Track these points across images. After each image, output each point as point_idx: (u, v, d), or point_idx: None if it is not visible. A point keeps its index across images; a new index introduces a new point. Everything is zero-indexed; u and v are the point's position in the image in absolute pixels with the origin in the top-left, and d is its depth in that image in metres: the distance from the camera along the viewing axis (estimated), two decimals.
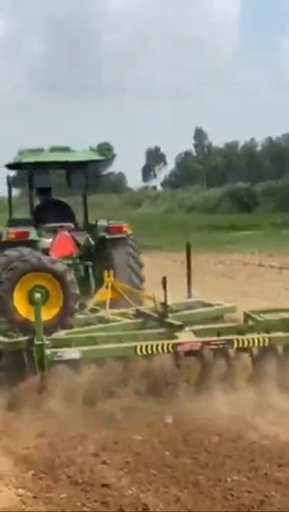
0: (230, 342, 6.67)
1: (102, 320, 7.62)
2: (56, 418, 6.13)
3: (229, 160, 79.30)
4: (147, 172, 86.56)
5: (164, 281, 7.22)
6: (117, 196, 60.60)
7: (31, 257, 7.44)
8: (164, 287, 7.22)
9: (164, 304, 7.29)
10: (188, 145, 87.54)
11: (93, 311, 8.06)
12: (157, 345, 6.51)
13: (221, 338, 6.79)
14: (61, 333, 7.00)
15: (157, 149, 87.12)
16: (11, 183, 9.77)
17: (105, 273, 8.28)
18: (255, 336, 6.88)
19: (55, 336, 6.85)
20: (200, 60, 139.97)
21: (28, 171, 9.41)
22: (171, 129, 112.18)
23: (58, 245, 8.91)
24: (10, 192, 9.78)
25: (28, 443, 5.62)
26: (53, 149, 9.43)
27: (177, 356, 6.53)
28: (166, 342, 6.60)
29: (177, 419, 6.00)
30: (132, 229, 10.53)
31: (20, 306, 7.05)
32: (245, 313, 7.49)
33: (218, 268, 20.33)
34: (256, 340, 6.74)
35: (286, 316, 7.38)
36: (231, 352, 6.65)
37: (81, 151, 9.71)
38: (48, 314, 6.93)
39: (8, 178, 9.80)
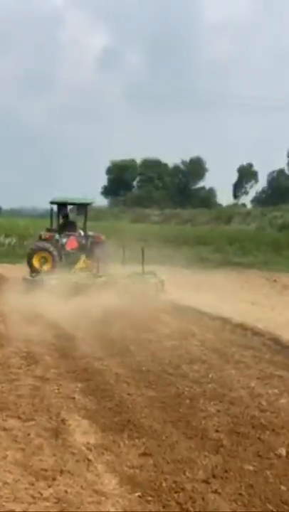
0: (116, 281, 15.62)
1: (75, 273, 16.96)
2: (160, 439, 5.91)
3: None
4: (239, 189, 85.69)
5: (98, 263, 16.43)
6: (207, 211, 60.14)
7: (41, 245, 17.72)
8: (98, 263, 16.38)
9: (97, 269, 16.31)
10: (282, 163, 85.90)
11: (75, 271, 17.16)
12: (86, 281, 15.79)
13: (114, 280, 15.79)
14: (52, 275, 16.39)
15: (250, 166, 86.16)
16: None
17: (82, 256, 17.54)
18: (130, 280, 15.93)
19: (50, 276, 16.31)
20: None
21: (57, 206, 18.44)
22: (265, 146, 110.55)
23: (69, 243, 17.91)
24: (52, 215, 18.58)
25: (132, 462, 5.37)
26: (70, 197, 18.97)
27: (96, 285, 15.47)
28: (90, 281, 15.81)
29: None
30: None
31: (36, 264, 17.32)
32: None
33: None
34: (126, 281, 15.76)
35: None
36: (117, 283, 15.56)
37: (83, 197, 19.41)
38: (46, 267, 17.15)
39: (51, 208, 18.62)
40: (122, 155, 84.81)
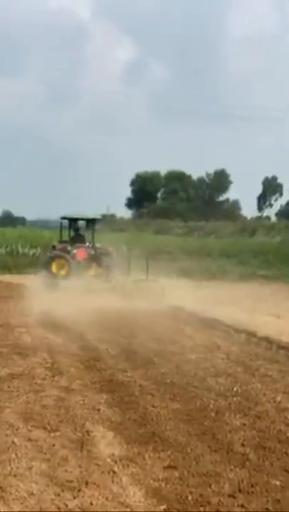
0: (124, 286, 17.91)
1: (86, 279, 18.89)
2: (185, 451, 5.88)
3: None
4: (263, 201, 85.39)
5: (106, 271, 19.53)
6: (231, 224, 59.98)
7: (60, 253, 19.96)
8: (106, 271, 19.45)
9: (106, 276, 19.11)
10: None
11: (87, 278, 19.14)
12: (98, 286, 18.07)
13: (121, 285, 18.15)
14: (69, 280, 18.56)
15: (274, 178, 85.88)
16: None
17: (93, 264, 19.72)
18: (135, 285, 17.77)
19: (66, 281, 18.58)
20: None
21: (69, 221, 20.96)
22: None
23: (79, 253, 19.99)
24: (61, 229, 20.84)
25: (158, 474, 5.34)
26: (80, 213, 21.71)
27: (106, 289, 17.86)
28: (100, 286, 18.13)
29: None
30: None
31: (54, 270, 19.70)
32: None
33: None
34: (132, 287, 17.73)
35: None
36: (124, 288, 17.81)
37: (92, 213, 22.32)
38: (63, 272, 19.44)
39: (61, 223, 20.91)
40: (146, 167, 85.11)
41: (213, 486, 5.09)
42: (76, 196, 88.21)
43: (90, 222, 20.99)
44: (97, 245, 20.51)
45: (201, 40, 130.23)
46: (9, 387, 8.03)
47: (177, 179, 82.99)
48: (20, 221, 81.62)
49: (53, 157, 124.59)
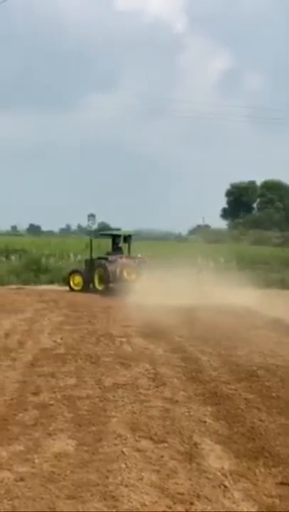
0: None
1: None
2: None
3: None
4: None
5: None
6: None
7: (128, 262, 22.89)
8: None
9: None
10: None
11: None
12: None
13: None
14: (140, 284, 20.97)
15: None
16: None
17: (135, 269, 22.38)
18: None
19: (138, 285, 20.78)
20: None
21: (112, 236, 24.61)
22: None
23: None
24: (91, 244, 24.19)
25: (270, 491, 5.20)
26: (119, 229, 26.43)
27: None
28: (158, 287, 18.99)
29: None
30: None
31: (126, 276, 21.95)
32: None
33: None
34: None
35: None
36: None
37: (128, 229, 25.82)
38: (133, 277, 21.91)
39: (90, 240, 24.71)
40: (242, 177, 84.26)
41: None
42: (172, 207, 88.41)
43: (126, 237, 24.19)
44: (138, 255, 23.72)
45: None
46: (114, 396, 8.10)
47: (274, 189, 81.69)
48: None
49: (149, 169, 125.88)
